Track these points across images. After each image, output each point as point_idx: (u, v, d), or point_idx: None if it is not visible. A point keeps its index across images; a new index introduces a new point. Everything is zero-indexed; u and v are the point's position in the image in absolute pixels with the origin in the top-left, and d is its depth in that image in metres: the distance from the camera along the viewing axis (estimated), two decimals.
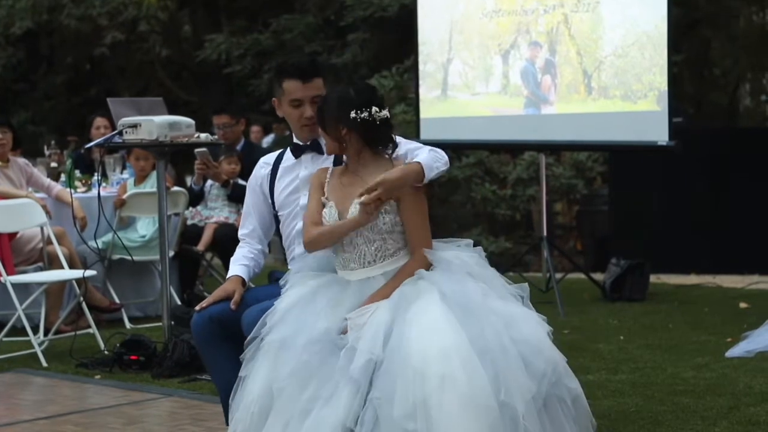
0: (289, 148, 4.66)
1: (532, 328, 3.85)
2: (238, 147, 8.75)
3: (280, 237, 4.71)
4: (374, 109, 4.02)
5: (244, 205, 4.78)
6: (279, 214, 4.65)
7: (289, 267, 4.57)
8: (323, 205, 4.12)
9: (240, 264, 4.62)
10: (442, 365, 3.63)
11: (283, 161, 4.67)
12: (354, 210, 4.00)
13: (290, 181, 4.60)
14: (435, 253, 4.01)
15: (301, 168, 4.56)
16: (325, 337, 3.82)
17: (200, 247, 8.49)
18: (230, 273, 4.60)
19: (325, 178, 4.19)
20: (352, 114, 3.99)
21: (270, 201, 4.66)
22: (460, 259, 3.99)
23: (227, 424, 4.15)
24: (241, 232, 4.76)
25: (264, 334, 3.95)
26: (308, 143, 4.55)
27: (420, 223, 4.03)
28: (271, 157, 4.75)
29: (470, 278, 3.92)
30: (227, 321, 4.36)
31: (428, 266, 3.97)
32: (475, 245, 4.13)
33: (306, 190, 4.41)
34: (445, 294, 3.82)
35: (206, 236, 8.49)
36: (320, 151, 4.51)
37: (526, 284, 4.06)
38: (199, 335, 4.47)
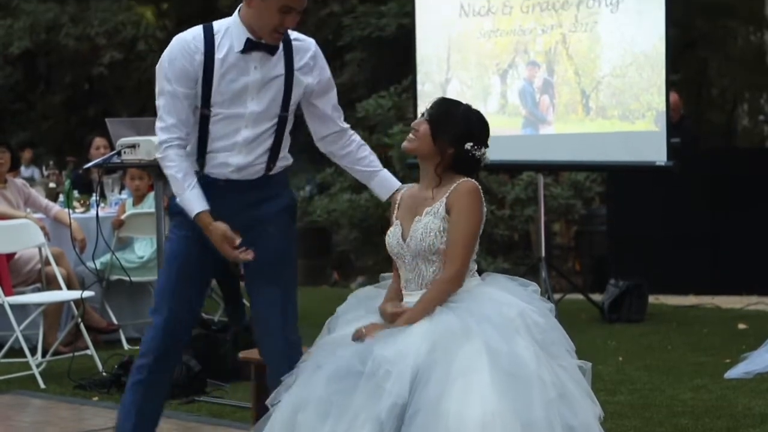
0: (233, 40, 4.02)
1: (584, 409, 3.61)
2: None
3: (203, 138, 4.07)
4: (485, 150, 3.93)
5: (164, 95, 4.05)
6: (211, 110, 4.05)
7: (201, 171, 4.10)
8: (392, 225, 3.95)
9: (197, 191, 4.07)
10: None
11: (219, 52, 4.02)
12: (416, 228, 3.82)
13: (237, 76, 4.01)
14: (486, 294, 3.82)
15: (250, 66, 4.02)
16: (347, 369, 3.57)
17: None
18: (196, 208, 4.01)
19: (396, 201, 4.03)
20: (468, 145, 3.87)
21: (201, 93, 4.04)
22: (517, 308, 3.74)
23: None
24: (159, 127, 4.05)
25: (303, 360, 3.82)
26: (262, 41, 4.00)
27: (459, 237, 3.78)
28: (196, 43, 4.09)
29: (524, 336, 3.64)
30: None
31: (458, 287, 3.76)
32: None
33: (255, 94, 4.00)
34: (493, 352, 3.54)
35: None
36: (272, 53, 4.03)
37: (590, 365, 3.81)
38: None
